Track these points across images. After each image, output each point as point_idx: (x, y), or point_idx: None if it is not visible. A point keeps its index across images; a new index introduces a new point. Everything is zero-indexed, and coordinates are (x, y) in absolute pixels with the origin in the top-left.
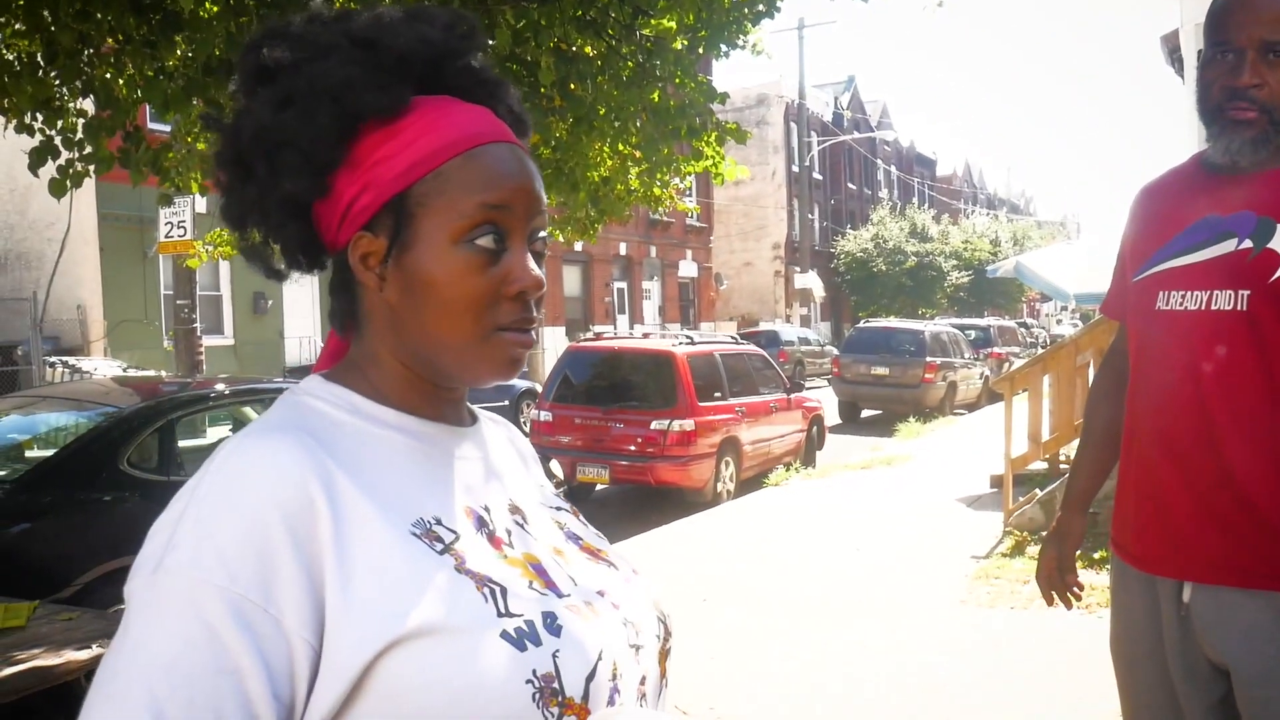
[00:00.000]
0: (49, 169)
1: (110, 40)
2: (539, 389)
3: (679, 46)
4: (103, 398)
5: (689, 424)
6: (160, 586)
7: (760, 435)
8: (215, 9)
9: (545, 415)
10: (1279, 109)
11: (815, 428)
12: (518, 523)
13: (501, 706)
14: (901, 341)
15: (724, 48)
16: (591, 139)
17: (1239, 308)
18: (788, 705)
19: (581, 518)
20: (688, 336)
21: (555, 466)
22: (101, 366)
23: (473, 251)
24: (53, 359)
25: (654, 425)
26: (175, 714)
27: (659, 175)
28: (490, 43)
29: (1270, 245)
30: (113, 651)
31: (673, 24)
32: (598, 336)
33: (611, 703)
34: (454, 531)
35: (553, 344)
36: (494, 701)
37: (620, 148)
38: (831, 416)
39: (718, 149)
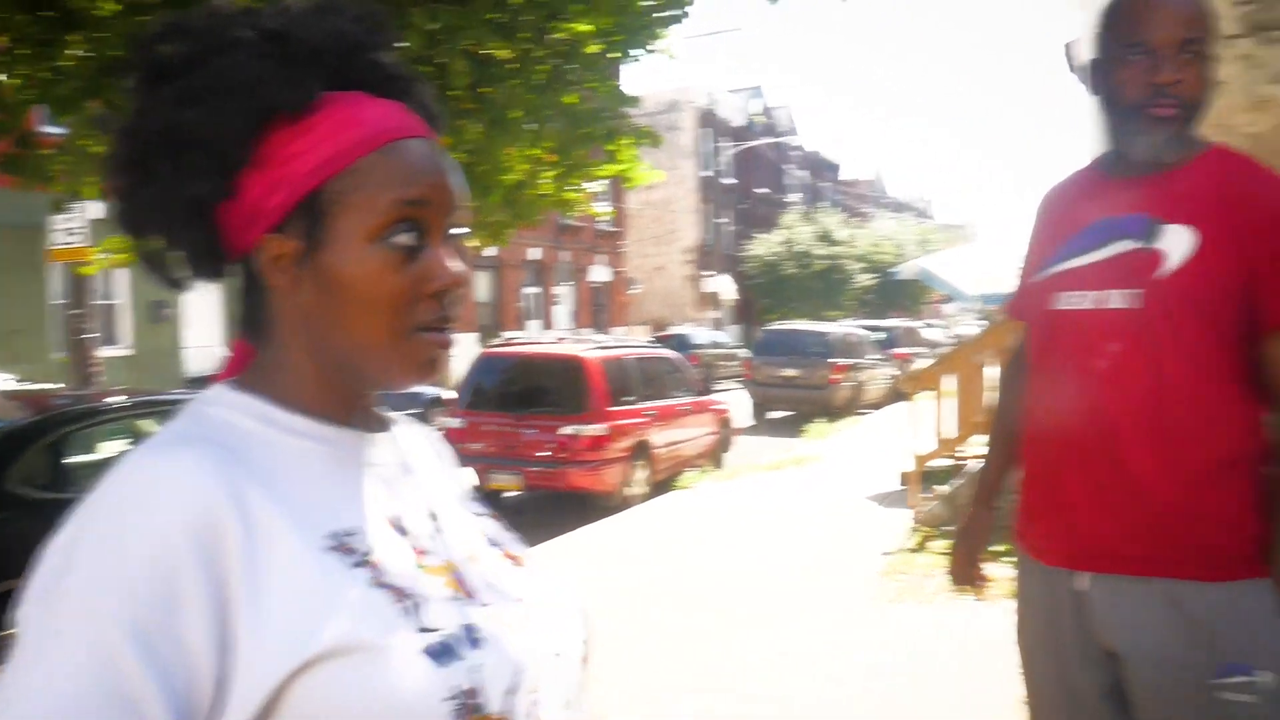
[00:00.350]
0: None
1: (1, 39)
2: (450, 395)
3: (593, 51)
4: None
5: (600, 429)
6: (55, 612)
7: (671, 438)
8: (114, 7)
9: (456, 422)
10: (1192, 106)
11: (724, 430)
12: (437, 530)
13: None
14: (809, 343)
15: (636, 52)
16: (504, 143)
17: (1131, 306)
18: (698, 708)
19: (501, 524)
20: (598, 341)
21: (468, 474)
22: None
23: (390, 249)
24: None
25: (565, 431)
26: None
27: (572, 180)
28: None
29: (1158, 245)
30: (3, 683)
31: (589, 27)
32: (508, 342)
33: (532, 714)
34: (370, 543)
35: (464, 350)
36: (413, 717)
37: (534, 152)
38: (744, 418)
39: (631, 153)
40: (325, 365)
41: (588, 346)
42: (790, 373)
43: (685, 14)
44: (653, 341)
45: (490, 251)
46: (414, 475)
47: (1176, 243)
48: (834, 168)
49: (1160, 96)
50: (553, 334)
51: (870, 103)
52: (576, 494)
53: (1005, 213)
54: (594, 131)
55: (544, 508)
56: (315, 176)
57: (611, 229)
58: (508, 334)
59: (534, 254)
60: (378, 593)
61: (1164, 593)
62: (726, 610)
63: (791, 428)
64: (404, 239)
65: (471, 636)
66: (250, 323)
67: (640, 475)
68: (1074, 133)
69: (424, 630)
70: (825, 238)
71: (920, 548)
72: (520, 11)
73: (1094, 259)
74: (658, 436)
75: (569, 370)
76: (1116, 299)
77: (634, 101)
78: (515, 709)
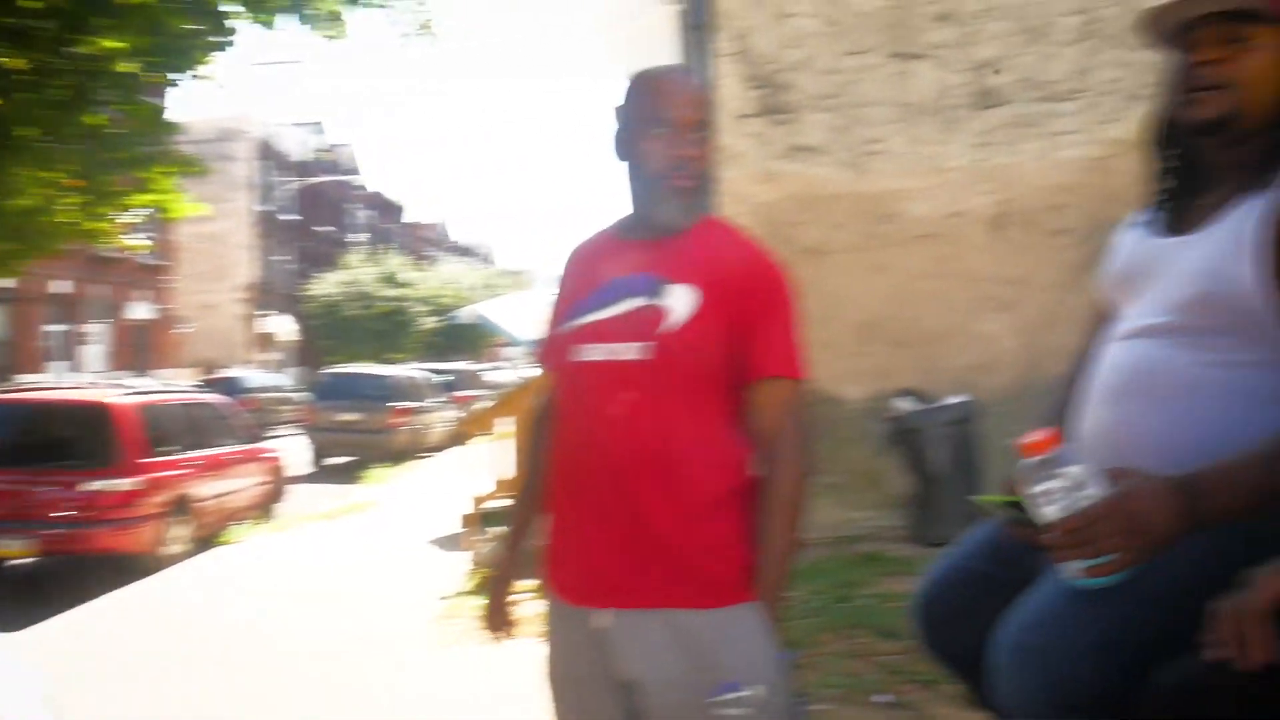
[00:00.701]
0: None
1: None
2: None
3: (125, 70)
4: None
5: (131, 483)
6: None
7: (216, 490)
8: None
9: None
10: (703, 178)
11: (276, 479)
12: None
13: None
14: (370, 387)
15: (175, 76)
16: (13, 163)
17: (641, 358)
18: None
19: None
20: (130, 386)
21: None
22: None
23: None
24: None
25: (90, 486)
26: None
27: (99, 208)
28: None
29: (662, 302)
30: None
31: (119, 44)
32: (19, 387)
33: None
34: None
35: None
36: None
37: (52, 175)
38: (302, 465)
39: (168, 182)
40: None
41: (118, 391)
42: (350, 417)
43: (230, 42)
44: (198, 385)
45: (4, 283)
46: None
47: (679, 301)
48: (398, 209)
49: (680, 169)
50: (76, 378)
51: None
52: (105, 556)
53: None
54: (124, 157)
55: (65, 574)
56: None
57: (157, 262)
58: (23, 378)
59: (60, 287)
60: None
61: (671, 622)
62: (275, 667)
63: (352, 474)
64: None
65: None
66: None
67: (181, 531)
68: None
69: None
70: (390, 279)
71: (478, 590)
72: (36, 18)
73: (609, 314)
74: (201, 489)
75: (93, 418)
76: (628, 351)
77: (173, 128)
78: None
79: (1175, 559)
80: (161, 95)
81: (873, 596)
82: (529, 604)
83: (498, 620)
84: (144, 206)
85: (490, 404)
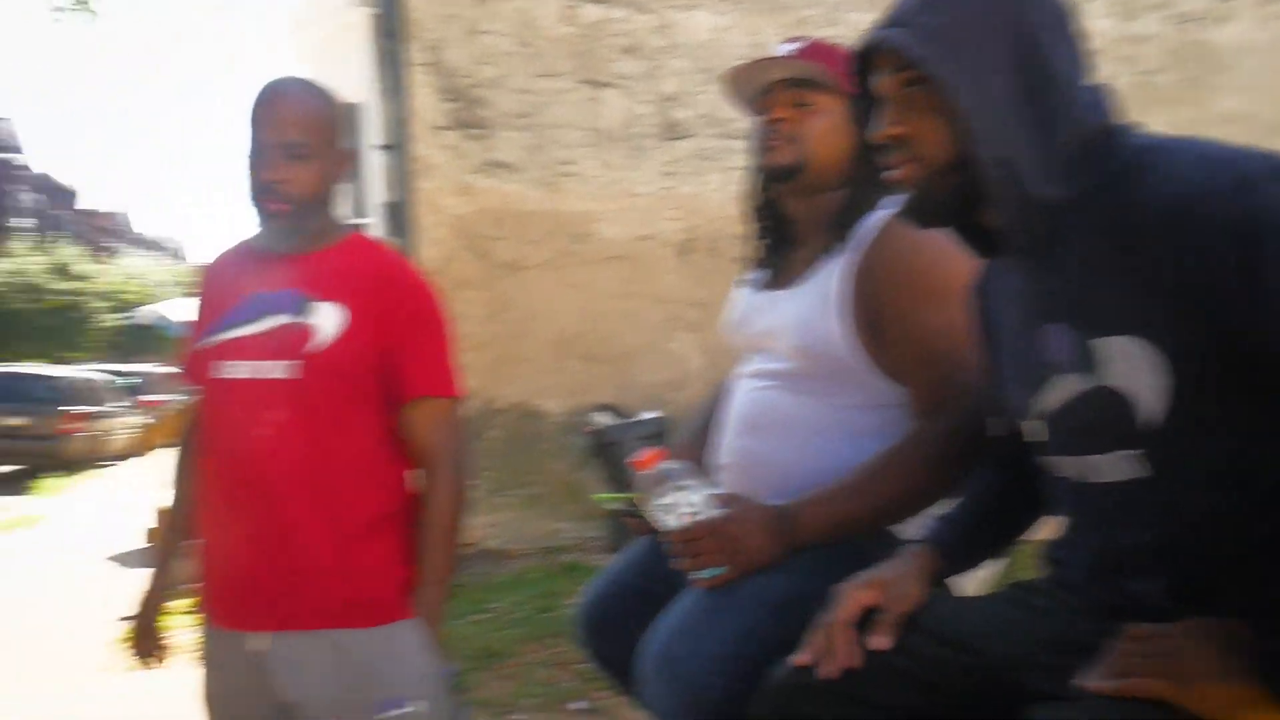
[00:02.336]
0: None
1: None
2: None
3: None
4: None
5: None
6: None
7: None
8: None
9: None
10: (303, 201)
11: None
12: None
13: None
14: (37, 388)
15: None
16: None
17: (288, 376)
18: None
19: None
20: None
21: None
22: None
23: None
24: None
25: None
26: None
27: None
28: None
29: (310, 320)
30: None
31: None
32: None
33: None
34: None
35: None
36: None
37: None
38: None
39: None
40: None
41: None
42: (15, 421)
43: None
44: None
45: None
46: None
47: (326, 318)
48: (70, 194)
49: (268, 193)
50: None
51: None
52: None
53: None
54: None
55: None
56: None
57: None
58: None
59: None
60: None
61: (330, 643)
62: None
63: (19, 484)
64: None
65: None
66: None
67: None
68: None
69: None
70: (62, 271)
71: (184, 611)
72: None
73: (253, 330)
74: None
75: None
76: (274, 369)
77: None
78: None
79: (794, 571)
80: None
81: (573, 606)
82: (185, 628)
83: (146, 646)
84: None
85: (178, 409)
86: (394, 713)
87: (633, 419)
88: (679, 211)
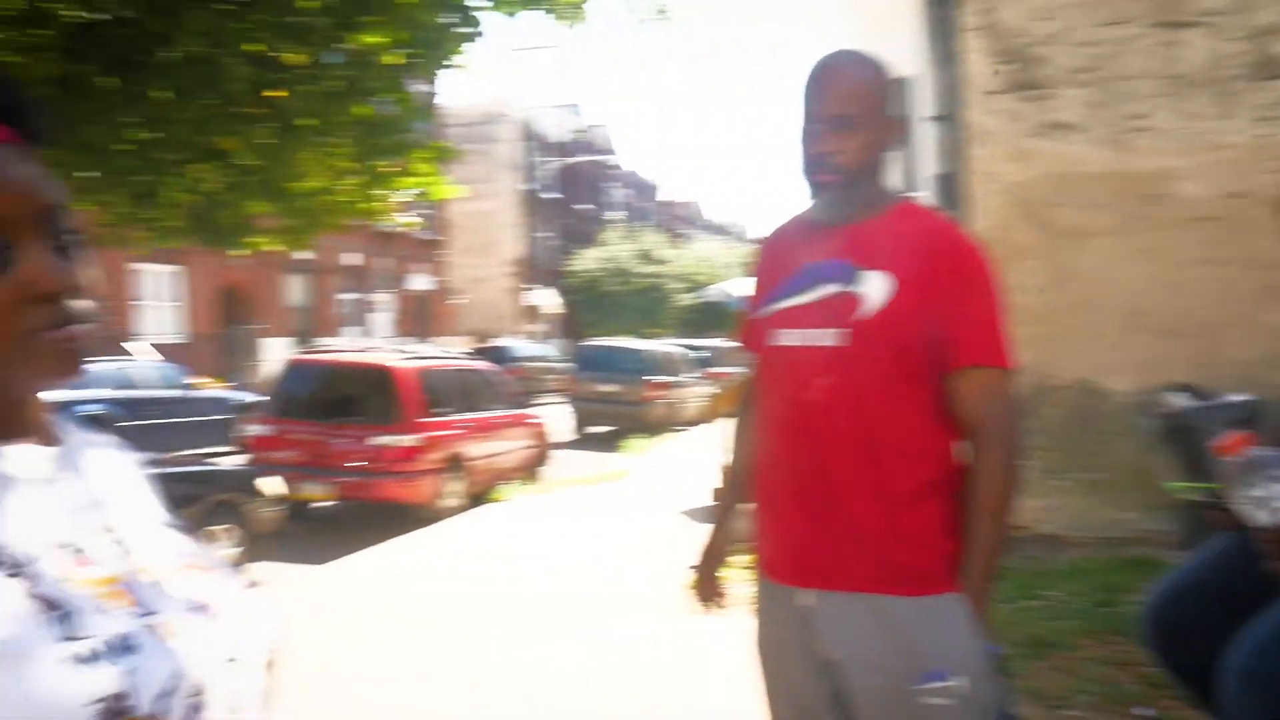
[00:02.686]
0: None
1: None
2: (259, 401)
3: (389, 63)
4: None
5: (411, 439)
6: None
7: (487, 450)
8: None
9: (265, 430)
10: (853, 172)
11: (542, 443)
12: (113, 542)
13: None
14: (627, 360)
15: (430, 66)
16: (296, 149)
17: (836, 344)
18: (504, 711)
19: (189, 534)
20: (410, 351)
21: (272, 483)
22: None
23: None
24: None
25: (375, 441)
26: None
27: (373, 189)
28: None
29: (859, 289)
30: None
31: (381, 39)
32: (319, 349)
33: (193, 716)
34: (27, 557)
35: (276, 355)
36: (59, 717)
37: (334, 160)
38: (565, 433)
39: (430, 167)
40: None
41: (399, 356)
42: (609, 388)
43: (479, 33)
44: (469, 353)
45: (306, 255)
46: (92, 491)
47: (874, 287)
48: (652, 188)
49: (820, 165)
50: (365, 342)
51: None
52: (390, 505)
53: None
54: (388, 144)
55: (355, 518)
56: None
57: (432, 238)
58: (321, 341)
59: (351, 259)
60: (25, 603)
61: (872, 607)
62: (530, 619)
63: (611, 443)
64: None
65: (126, 644)
66: None
67: (455, 487)
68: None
69: (72, 639)
70: (646, 256)
71: (740, 563)
72: (309, 16)
73: (805, 300)
74: (472, 449)
75: (378, 380)
76: (824, 337)
77: (426, 115)
78: (169, 711)
79: None
80: (423, 85)
81: (1140, 603)
82: (742, 580)
83: (708, 593)
84: (410, 189)
85: (739, 381)
86: (935, 684)
87: (1216, 400)
88: (1278, 163)
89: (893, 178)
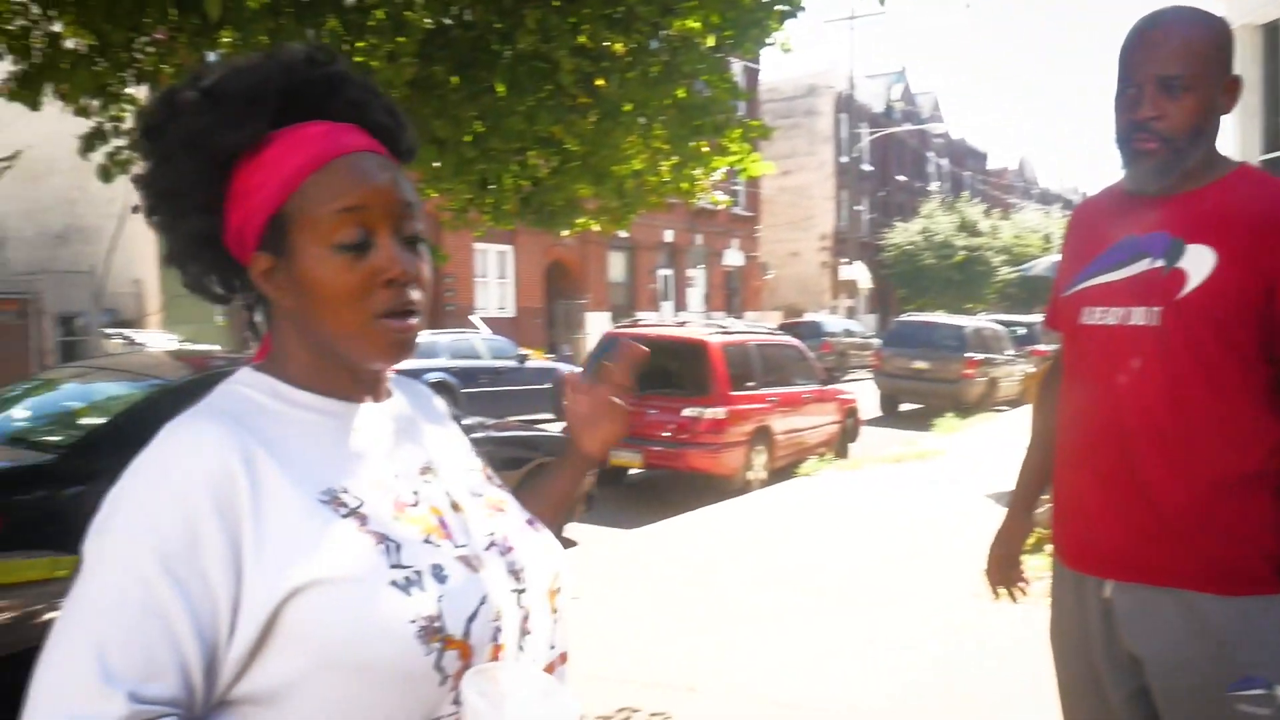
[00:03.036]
0: (100, 154)
1: (161, 31)
2: (579, 372)
3: (707, 45)
4: (154, 370)
5: (720, 412)
6: (105, 547)
7: (793, 425)
8: (255, 5)
9: None
10: (1178, 138)
11: (850, 420)
12: (423, 485)
13: (389, 642)
14: (943, 336)
15: (751, 45)
16: (618, 134)
17: (1151, 324)
18: (797, 687)
19: (490, 475)
20: (722, 326)
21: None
22: (157, 339)
23: (340, 252)
24: (110, 331)
25: (686, 412)
26: (113, 649)
27: (686, 170)
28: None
29: (1179, 264)
30: (70, 598)
31: (698, 24)
32: (634, 323)
33: (495, 639)
34: (359, 498)
35: (596, 329)
36: (382, 638)
37: (650, 142)
38: (871, 410)
39: (744, 145)
40: (317, 352)
41: (711, 330)
42: (921, 365)
43: (802, 7)
44: (779, 328)
45: (624, 233)
46: (410, 436)
47: (1196, 262)
48: (979, 156)
49: (1140, 131)
50: (679, 316)
51: (1021, 88)
52: (696, 475)
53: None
54: (705, 125)
55: (663, 486)
56: (274, 201)
57: (745, 214)
58: (638, 315)
59: (667, 236)
60: (360, 537)
61: (1180, 602)
62: (829, 595)
63: (921, 421)
64: (351, 240)
65: (439, 574)
66: (263, 322)
67: (760, 460)
68: (1246, 121)
69: (396, 567)
70: (966, 228)
71: (1034, 548)
72: (634, 7)
73: (1119, 276)
74: (779, 423)
75: (692, 353)
76: (1138, 316)
77: (745, 95)
78: (476, 634)
79: None
80: (739, 65)
81: None
82: (1042, 567)
83: (1004, 579)
84: (724, 167)
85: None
86: (1255, 692)
87: None
88: None
89: (1220, 138)
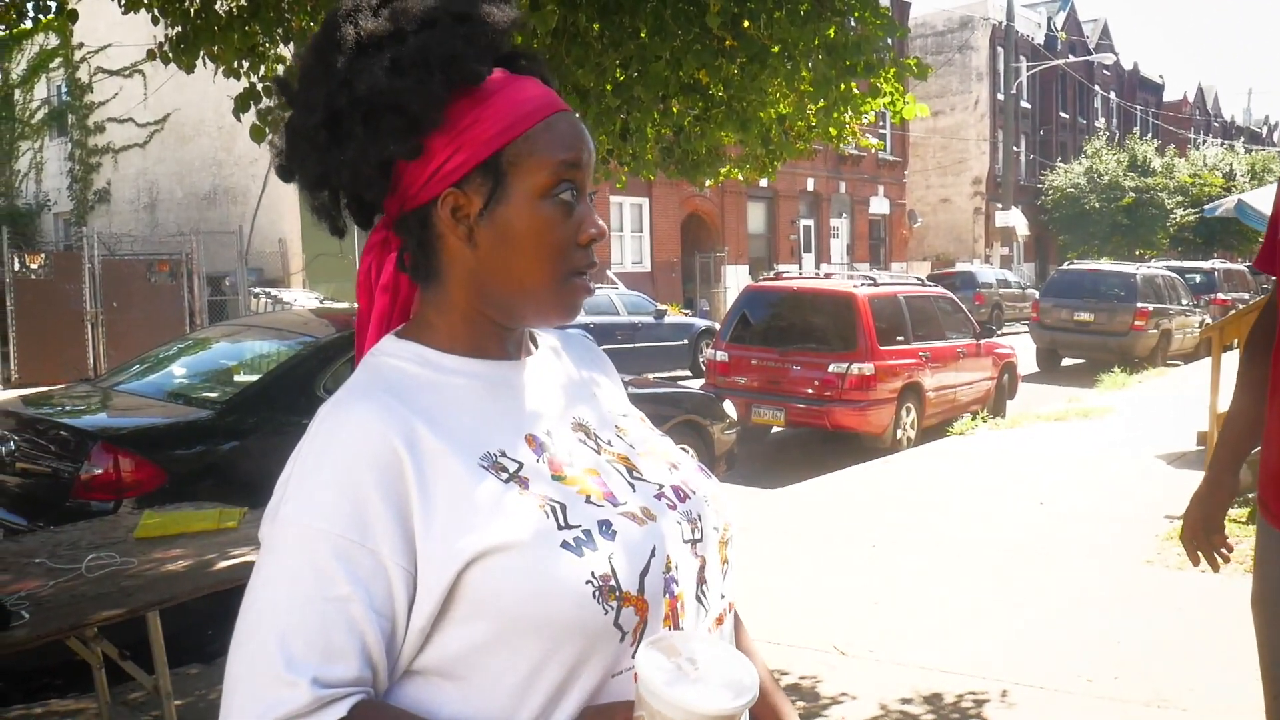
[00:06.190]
0: (251, 114)
1: None
2: (717, 328)
3: None
4: (302, 327)
5: (868, 368)
6: (277, 533)
7: (945, 382)
8: None
9: (721, 355)
10: None
11: (1006, 375)
12: (581, 440)
13: (568, 602)
14: (1109, 285)
15: None
16: (765, 78)
17: None
18: (951, 652)
19: (648, 423)
20: (870, 277)
21: (729, 407)
22: (300, 298)
23: (556, 205)
24: (257, 290)
25: (832, 368)
26: (293, 638)
27: (835, 114)
28: None
29: None
30: (250, 586)
31: None
32: (777, 276)
33: (669, 592)
34: (518, 460)
35: (735, 282)
36: (560, 598)
37: (797, 85)
38: (1029, 365)
39: (897, 85)
40: (485, 306)
41: (858, 283)
42: (1084, 317)
43: None
44: (928, 279)
45: (764, 183)
46: (561, 392)
47: None
48: (1153, 87)
49: None
50: (821, 269)
51: (1201, 9)
52: (842, 433)
53: None
54: (856, 65)
55: (808, 445)
56: (496, 141)
57: (893, 159)
58: (778, 268)
59: (809, 185)
60: (526, 500)
61: None
62: (986, 559)
63: (1084, 377)
64: (566, 196)
65: (606, 531)
66: (420, 269)
67: (910, 419)
68: None
69: (564, 528)
70: (1137, 167)
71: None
72: None
73: None
74: (930, 379)
75: (838, 307)
76: None
77: (903, 32)
78: (650, 589)
79: None
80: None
81: None
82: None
83: (1204, 542)
84: (875, 110)
85: (1242, 309)
86: None
87: None
88: None
89: None
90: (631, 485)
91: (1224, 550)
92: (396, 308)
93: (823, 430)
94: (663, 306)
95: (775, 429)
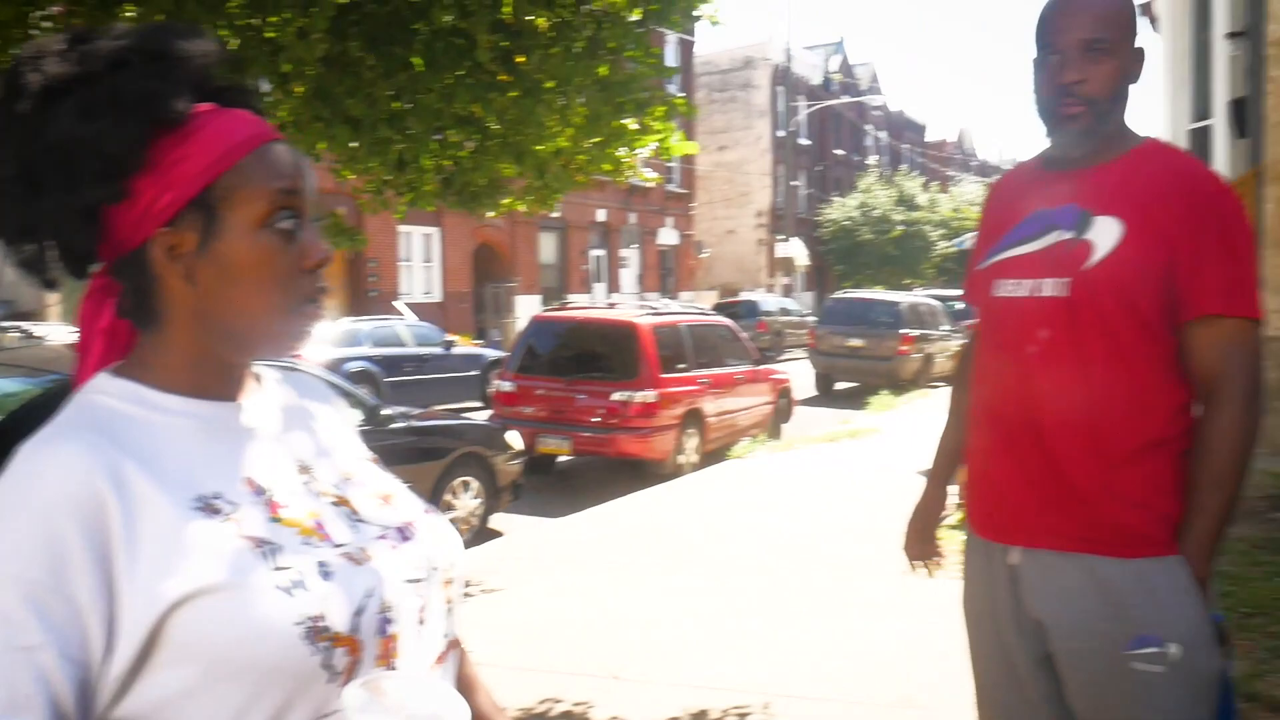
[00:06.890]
0: None
1: (60, 5)
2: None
3: (632, 18)
4: (53, 365)
5: (651, 395)
6: None
7: (726, 407)
8: None
9: (508, 385)
10: (1101, 101)
11: (783, 400)
12: (304, 481)
13: (275, 644)
14: (877, 313)
15: (678, 18)
16: (540, 112)
17: (1060, 295)
18: (720, 670)
19: (378, 464)
20: (651, 307)
21: (512, 438)
22: (56, 332)
23: (276, 234)
24: (6, 324)
25: (615, 396)
26: None
27: (609, 149)
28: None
29: (1087, 236)
30: None
31: None
32: (563, 306)
33: (382, 632)
34: (234, 502)
35: (527, 312)
36: (267, 640)
37: (571, 119)
38: (806, 389)
39: (668, 124)
40: (212, 344)
41: (641, 312)
42: (855, 343)
43: None
44: (714, 308)
45: (555, 214)
46: (285, 433)
47: (1104, 234)
48: (918, 128)
49: (1066, 96)
50: (611, 298)
51: (960, 61)
52: (627, 460)
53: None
54: (626, 102)
55: (594, 473)
56: (204, 176)
57: (680, 191)
58: (569, 298)
59: (600, 216)
60: (238, 542)
61: (1082, 567)
62: (762, 576)
63: (856, 400)
64: (285, 224)
65: (322, 572)
66: (140, 312)
67: (692, 444)
68: (1152, 86)
69: (278, 570)
70: (905, 202)
71: (963, 524)
72: None
73: (1030, 249)
74: (711, 405)
75: (621, 336)
76: (1048, 287)
77: (670, 72)
78: (363, 627)
79: None
80: (673, 39)
81: None
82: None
83: (920, 552)
84: (645, 147)
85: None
86: (1146, 650)
87: None
88: None
89: (1129, 110)
90: (353, 526)
91: (937, 558)
92: (115, 352)
93: (608, 458)
94: (451, 337)
95: (562, 458)
